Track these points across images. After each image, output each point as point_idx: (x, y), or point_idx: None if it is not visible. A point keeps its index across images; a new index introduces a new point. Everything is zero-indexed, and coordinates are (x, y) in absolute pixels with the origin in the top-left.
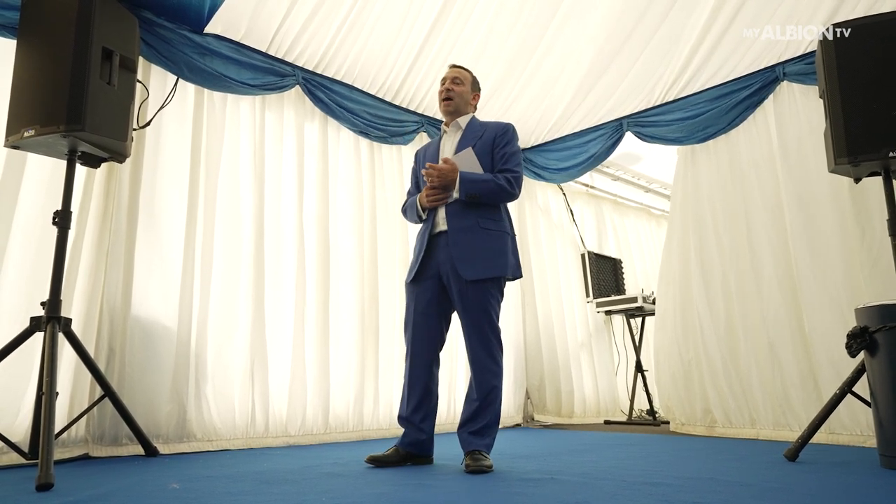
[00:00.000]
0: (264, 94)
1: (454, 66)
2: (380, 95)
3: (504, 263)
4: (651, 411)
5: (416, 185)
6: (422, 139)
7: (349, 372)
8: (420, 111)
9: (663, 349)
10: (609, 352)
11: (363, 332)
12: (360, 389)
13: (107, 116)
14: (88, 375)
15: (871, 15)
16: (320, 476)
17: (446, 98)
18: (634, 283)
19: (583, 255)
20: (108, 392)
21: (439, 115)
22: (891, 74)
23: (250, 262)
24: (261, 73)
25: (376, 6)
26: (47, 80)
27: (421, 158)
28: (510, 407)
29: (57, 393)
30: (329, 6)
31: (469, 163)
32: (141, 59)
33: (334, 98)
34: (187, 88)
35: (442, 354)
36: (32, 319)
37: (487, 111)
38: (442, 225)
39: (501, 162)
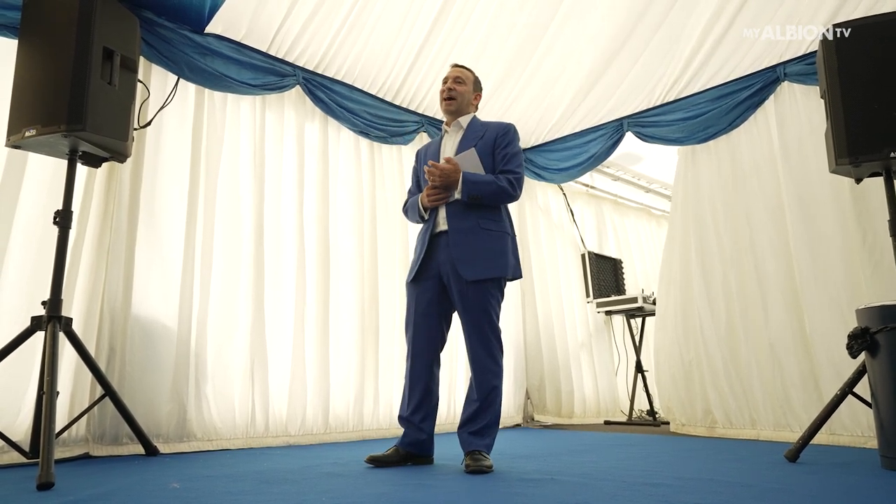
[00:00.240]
0: (265, 94)
1: (456, 66)
2: (380, 95)
3: (504, 264)
4: (651, 412)
5: (417, 185)
6: (422, 139)
7: (349, 372)
8: (420, 111)
9: (664, 349)
10: (609, 352)
11: (363, 332)
12: (360, 389)
13: (108, 116)
14: (89, 375)
15: (871, 15)
16: (320, 476)
17: (448, 98)
18: (634, 284)
19: (583, 256)
20: (109, 391)
21: (440, 115)
22: (892, 75)
23: (250, 261)
24: (261, 73)
25: (376, 6)
26: (48, 80)
27: (422, 157)
28: (510, 407)
29: (58, 392)
30: (329, 6)
31: (472, 163)
32: (142, 58)
33: (334, 98)
34: (188, 88)
35: (442, 354)
36: (33, 319)
37: (488, 111)
38: (442, 225)
39: (503, 163)
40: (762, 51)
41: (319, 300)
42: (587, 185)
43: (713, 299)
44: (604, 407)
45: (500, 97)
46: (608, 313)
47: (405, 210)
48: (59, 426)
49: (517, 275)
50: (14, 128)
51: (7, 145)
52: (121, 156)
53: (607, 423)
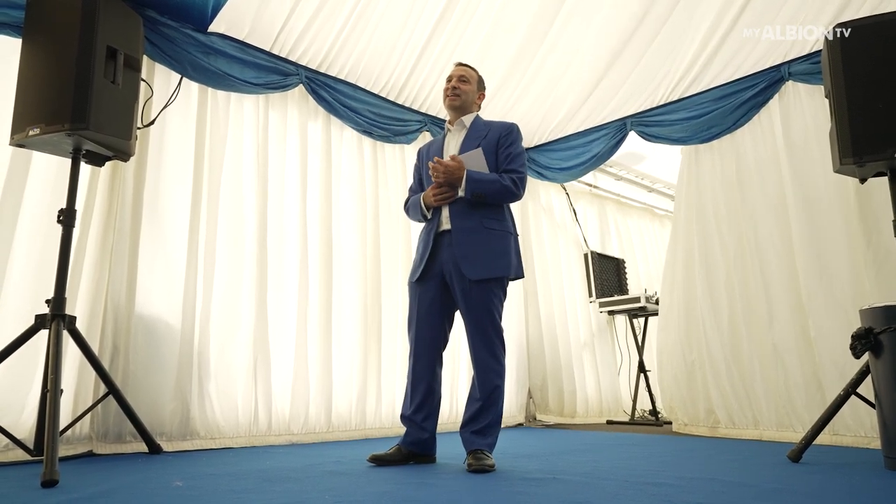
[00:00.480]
0: (268, 93)
1: (460, 65)
2: (383, 94)
3: (507, 263)
4: (654, 411)
5: (419, 182)
6: (425, 138)
7: (352, 370)
8: (423, 110)
9: (666, 349)
10: (612, 352)
11: (366, 331)
12: (362, 388)
13: (111, 115)
14: (93, 373)
15: (876, 14)
16: (323, 474)
17: (452, 95)
18: (637, 283)
19: (586, 255)
20: (112, 390)
21: (443, 114)
22: None
23: (253, 260)
24: (264, 71)
25: (379, 5)
26: (52, 79)
27: (424, 155)
28: (512, 406)
29: (61, 390)
30: (332, 5)
31: (477, 163)
32: (145, 57)
33: (337, 97)
34: (191, 87)
35: (445, 354)
36: (37, 317)
37: (490, 110)
38: (446, 224)
39: (506, 162)
40: (766, 50)
41: (322, 299)
42: (590, 185)
43: (716, 299)
44: (606, 407)
45: (503, 96)
46: (611, 313)
47: (406, 208)
48: (63, 424)
49: (520, 274)
50: (18, 126)
51: (11, 144)
52: (124, 154)
53: (610, 422)
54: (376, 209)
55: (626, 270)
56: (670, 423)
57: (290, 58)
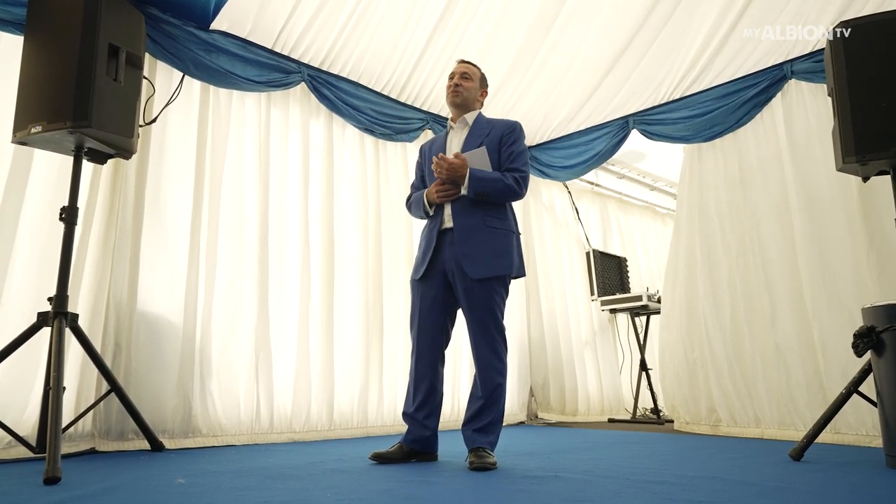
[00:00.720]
0: (270, 90)
1: (463, 62)
2: (385, 92)
3: (509, 262)
4: (655, 410)
5: (421, 180)
6: (426, 136)
7: (353, 368)
8: (425, 108)
9: (668, 348)
10: (613, 350)
11: (367, 329)
12: (364, 386)
13: (113, 113)
14: (95, 370)
15: (880, 12)
16: (325, 472)
17: (455, 92)
18: (639, 282)
19: (587, 254)
20: (115, 387)
21: (444, 112)
22: None
23: (255, 258)
24: (266, 69)
25: (382, 2)
26: (54, 77)
27: (426, 153)
28: (514, 404)
29: (64, 388)
30: (334, 2)
31: (481, 161)
32: (147, 55)
33: (339, 95)
34: (193, 85)
35: (447, 352)
36: (40, 315)
37: (492, 108)
38: (448, 222)
39: (509, 161)
40: (769, 48)
41: (324, 297)
42: (592, 183)
43: (718, 298)
44: (608, 405)
45: (505, 94)
46: (613, 311)
47: (409, 205)
48: (65, 421)
49: (521, 273)
50: (20, 124)
51: (13, 141)
52: (126, 152)
53: (611, 421)
54: (378, 207)
55: (628, 269)
56: (672, 421)
57: (292, 56)
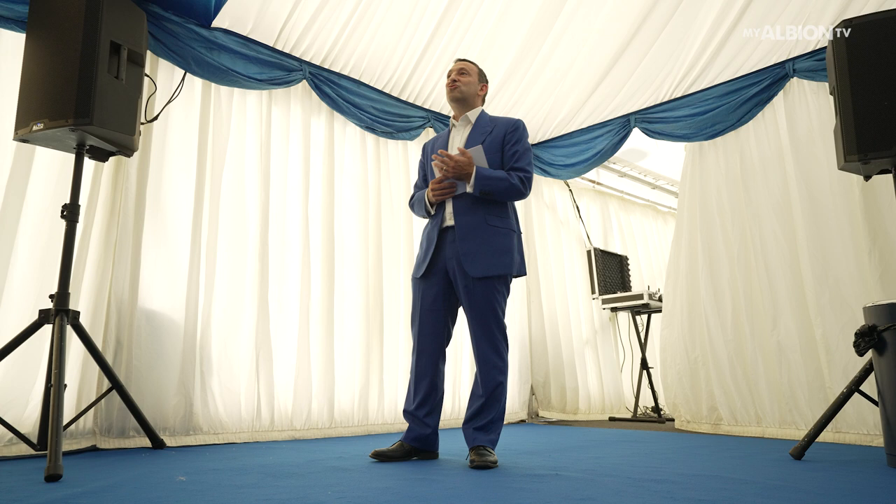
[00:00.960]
0: (271, 88)
1: (459, 60)
2: (386, 90)
3: (510, 261)
4: (656, 408)
5: (424, 178)
6: (428, 134)
7: (354, 366)
8: (427, 106)
9: (670, 346)
10: (614, 349)
11: (368, 327)
12: (365, 384)
13: (115, 110)
14: (96, 368)
15: (882, 11)
16: (325, 470)
17: (453, 86)
18: (640, 280)
19: (589, 252)
20: (116, 385)
21: (446, 111)
22: None
23: (256, 255)
24: (268, 67)
25: (383, 0)
26: (56, 74)
27: (429, 151)
28: (515, 403)
29: (65, 385)
30: (336, 0)
31: (478, 160)
32: (149, 53)
33: (341, 93)
34: (194, 83)
35: (447, 349)
36: (41, 312)
37: (494, 107)
38: (449, 220)
39: (513, 160)
40: (771, 47)
41: (324, 294)
42: (593, 182)
43: (720, 296)
44: (609, 403)
45: (507, 93)
46: (614, 310)
47: (411, 204)
48: (66, 419)
49: (522, 272)
50: (22, 122)
51: (15, 139)
52: (128, 150)
53: (612, 419)
54: (378, 205)
55: (629, 267)
56: (673, 420)
57: (294, 53)
